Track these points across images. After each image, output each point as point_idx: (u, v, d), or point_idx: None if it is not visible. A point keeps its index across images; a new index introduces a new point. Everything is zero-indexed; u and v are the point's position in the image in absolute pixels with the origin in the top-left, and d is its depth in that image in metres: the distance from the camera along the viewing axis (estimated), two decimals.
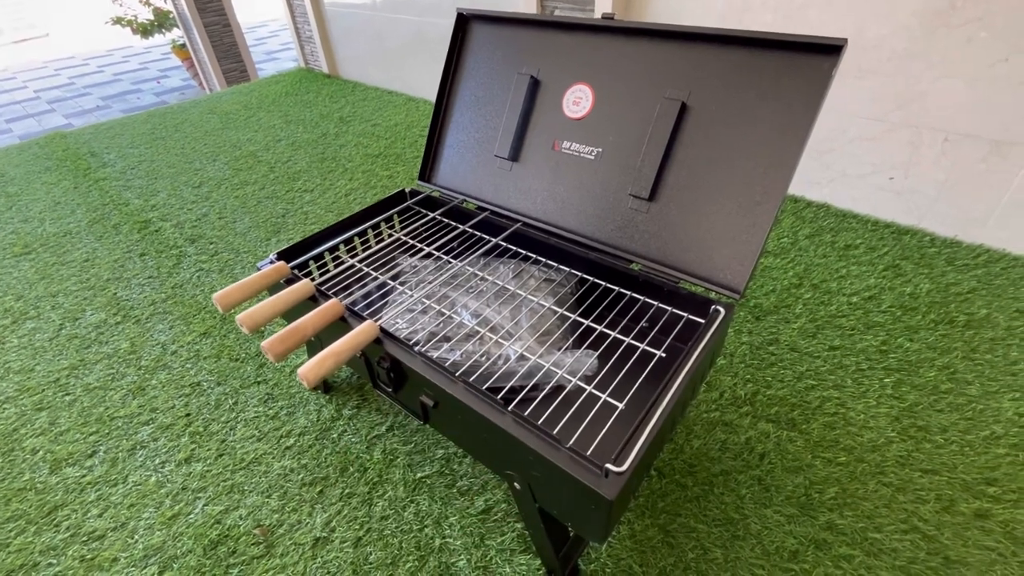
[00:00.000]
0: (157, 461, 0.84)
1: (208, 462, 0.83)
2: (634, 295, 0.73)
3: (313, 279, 0.73)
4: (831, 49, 0.61)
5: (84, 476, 0.83)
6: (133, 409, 0.93)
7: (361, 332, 0.61)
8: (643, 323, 0.74)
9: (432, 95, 2.27)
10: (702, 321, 0.67)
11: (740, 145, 0.68)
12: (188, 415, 0.92)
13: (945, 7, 1.04)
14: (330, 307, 0.65)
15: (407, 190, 0.99)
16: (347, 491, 0.78)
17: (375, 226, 0.93)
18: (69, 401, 0.95)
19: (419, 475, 0.79)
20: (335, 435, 0.86)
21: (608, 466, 0.47)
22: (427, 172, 1.01)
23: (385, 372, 0.63)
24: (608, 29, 0.78)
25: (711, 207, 0.70)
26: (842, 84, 1.21)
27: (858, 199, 1.31)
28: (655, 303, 0.71)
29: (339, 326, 0.67)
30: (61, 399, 0.96)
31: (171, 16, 4.06)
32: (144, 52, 5.84)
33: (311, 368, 0.56)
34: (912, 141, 1.18)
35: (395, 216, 0.96)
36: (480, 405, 0.55)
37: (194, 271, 1.27)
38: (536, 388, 0.65)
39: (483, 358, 0.66)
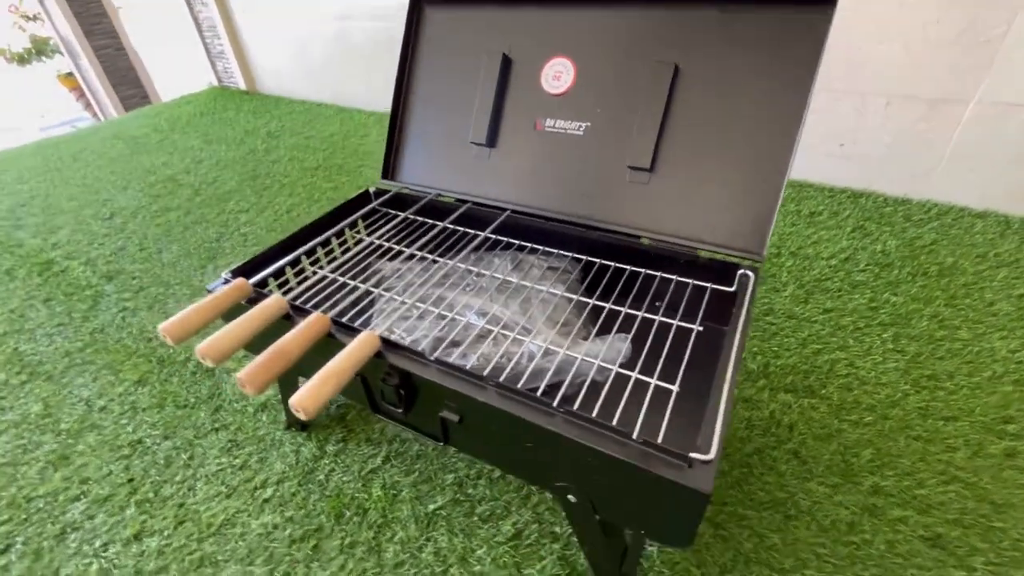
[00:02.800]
0: (97, 544, 0.68)
1: (165, 534, 0.68)
2: (649, 271, 0.68)
3: (285, 294, 0.62)
4: None
5: None
6: (57, 484, 0.75)
7: (360, 345, 0.51)
8: (666, 299, 0.68)
9: (366, 104, 2.15)
10: (727, 289, 0.62)
11: (741, 104, 0.65)
12: (131, 480, 0.75)
13: None
14: (315, 321, 0.54)
15: (371, 190, 0.88)
16: (348, 540, 0.66)
17: (339, 233, 0.82)
18: None
19: (431, 507, 0.68)
20: (322, 477, 0.73)
21: (693, 455, 0.40)
22: (390, 169, 0.91)
23: (393, 390, 0.53)
24: None
25: (718, 170, 0.66)
26: None
27: (812, 168, 1.35)
28: (673, 277, 0.66)
29: (325, 344, 0.56)
30: None
31: (51, 42, 3.65)
32: (22, 84, 5.21)
33: (308, 395, 0.45)
34: (857, 107, 1.23)
35: (359, 220, 0.86)
36: (521, 409, 0.46)
37: (116, 311, 1.08)
38: (570, 384, 0.57)
39: (504, 359, 0.57)
